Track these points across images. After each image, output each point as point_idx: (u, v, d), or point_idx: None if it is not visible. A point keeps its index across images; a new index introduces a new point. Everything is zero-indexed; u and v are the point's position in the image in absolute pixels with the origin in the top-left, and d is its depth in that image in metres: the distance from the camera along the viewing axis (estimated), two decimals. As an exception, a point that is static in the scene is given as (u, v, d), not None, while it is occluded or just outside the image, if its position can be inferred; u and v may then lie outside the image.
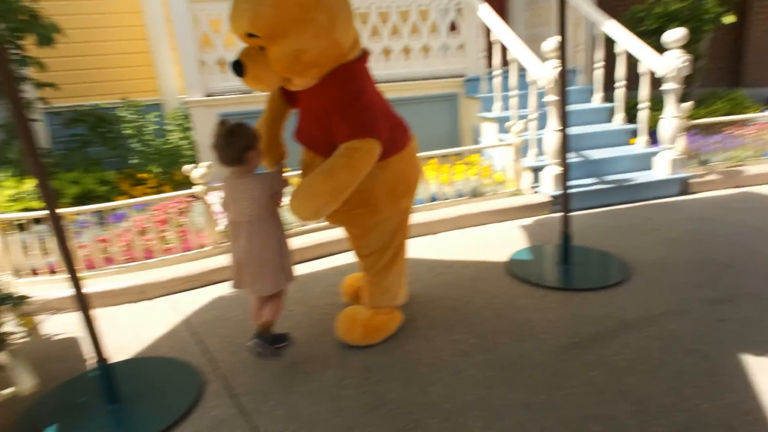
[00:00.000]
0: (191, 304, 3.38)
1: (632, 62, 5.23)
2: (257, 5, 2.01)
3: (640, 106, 5.21)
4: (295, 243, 4.02)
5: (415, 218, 4.40)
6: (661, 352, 2.44)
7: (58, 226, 2.11)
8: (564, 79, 3.40)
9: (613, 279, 3.22)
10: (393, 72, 5.98)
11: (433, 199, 4.67)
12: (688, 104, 5.02)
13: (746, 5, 8.27)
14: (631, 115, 5.70)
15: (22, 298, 2.32)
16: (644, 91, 5.16)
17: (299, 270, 3.78)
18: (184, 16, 5.25)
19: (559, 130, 3.42)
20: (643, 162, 5.30)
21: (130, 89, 6.63)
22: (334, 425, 2.13)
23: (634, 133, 5.61)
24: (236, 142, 2.33)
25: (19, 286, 3.05)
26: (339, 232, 4.17)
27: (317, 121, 2.37)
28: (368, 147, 2.20)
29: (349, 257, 4.00)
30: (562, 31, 3.27)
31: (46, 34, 4.94)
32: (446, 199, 4.71)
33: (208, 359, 2.70)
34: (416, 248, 4.07)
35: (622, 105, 5.63)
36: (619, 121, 5.72)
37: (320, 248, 4.08)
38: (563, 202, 3.46)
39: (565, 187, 3.45)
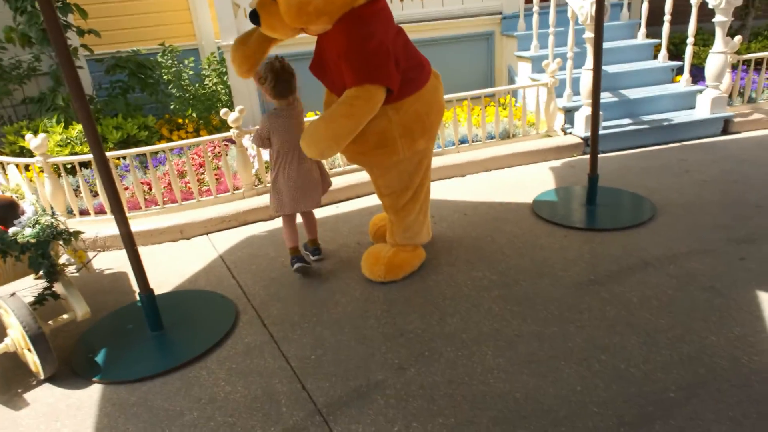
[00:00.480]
0: (226, 242, 3.59)
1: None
2: None
3: (688, 41, 4.93)
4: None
5: (443, 160, 4.43)
6: (675, 289, 2.47)
7: (105, 169, 2.26)
8: (601, 13, 3.25)
9: (638, 219, 3.21)
10: (427, 11, 5.82)
11: (462, 142, 4.66)
12: (737, 39, 4.72)
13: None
14: (679, 51, 5.40)
15: (77, 234, 2.54)
16: (692, 25, 4.86)
17: (330, 211, 3.95)
18: (216, -42, 5.22)
19: (592, 69, 3.30)
20: (686, 101, 5.08)
21: (168, 34, 6.74)
22: (356, 351, 2.30)
23: (679, 71, 5.34)
24: (293, 76, 2.73)
25: (73, 225, 3.30)
26: (366, 175, 4.26)
27: (333, 64, 2.43)
28: (368, 95, 2.24)
29: (376, 199, 4.11)
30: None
31: (85, -18, 5.03)
32: (476, 141, 4.69)
33: (241, 292, 2.90)
34: (443, 190, 4.12)
35: (666, 41, 5.33)
36: (662, 58, 5.44)
37: (349, 190, 4.19)
38: (592, 142, 3.41)
39: (594, 128, 3.39)
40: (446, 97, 3.18)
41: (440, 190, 4.13)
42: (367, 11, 2.29)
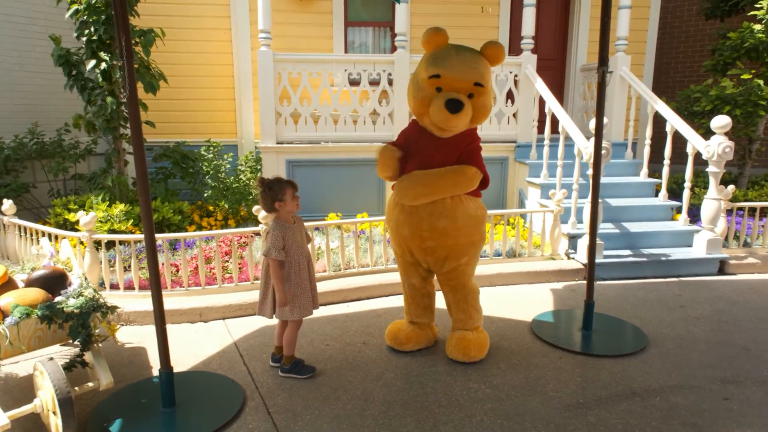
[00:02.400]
0: (241, 329, 3.81)
1: (681, 140, 5.40)
2: (483, 68, 3.02)
3: (685, 185, 5.35)
4: (337, 284, 4.42)
5: None
6: (659, 422, 2.59)
7: (152, 250, 2.57)
8: (599, 153, 3.64)
9: (630, 348, 3.38)
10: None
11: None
12: (731, 188, 5.11)
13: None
14: (680, 190, 5.80)
15: (114, 308, 2.80)
16: (689, 171, 5.31)
17: (340, 309, 4.18)
18: (269, 73, 5.95)
19: (592, 200, 3.65)
20: (684, 239, 5.39)
21: (213, 131, 7.46)
22: (351, 448, 2.43)
23: (679, 209, 5.71)
24: (267, 195, 2.97)
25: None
26: (376, 278, 4.53)
27: (441, 155, 3.08)
28: (474, 174, 3.07)
29: (385, 302, 4.34)
30: (599, 111, 3.55)
31: (153, 83, 5.75)
32: (484, 256, 4.99)
33: (250, 379, 3.08)
34: (449, 300, 4.35)
35: (666, 181, 5.77)
36: (663, 197, 5.84)
37: (360, 291, 4.44)
38: (588, 270, 3.68)
39: (591, 256, 3.67)
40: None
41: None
42: None
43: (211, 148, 6.63)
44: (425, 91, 3.01)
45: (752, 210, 5.53)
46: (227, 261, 4.68)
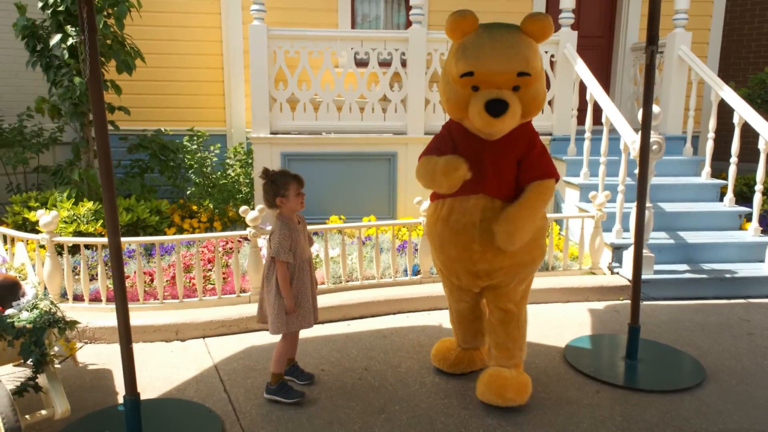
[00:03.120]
0: (223, 349, 3.83)
1: (752, 134, 5.32)
2: (527, 50, 2.79)
3: (756, 188, 5.26)
4: (337, 299, 4.44)
5: (430, 289, 4.68)
6: (714, 472, 2.55)
7: (118, 258, 2.59)
8: (646, 148, 3.60)
9: (683, 383, 3.32)
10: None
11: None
12: (810, 191, 5.02)
13: None
14: (747, 194, 5.71)
15: (73, 323, 2.83)
16: (761, 171, 5.22)
17: (340, 328, 4.18)
18: (262, 51, 5.98)
19: (638, 204, 3.61)
20: (754, 252, 5.31)
21: (198, 118, 7.53)
22: (345, 494, 2.42)
23: (749, 217, 5.61)
24: (270, 189, 3.03)
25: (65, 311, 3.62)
26: (382, 292, 4.53)
27: (505, 162, 2.94)
28: (552, 186, 2.95)
29: (392, 321, 4.33)
30: (648, 98, 3.50)
31: (129, 62, 5.82)
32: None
33: (231, 408, 3.09)
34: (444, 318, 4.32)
35: (733, 183, 5.68)
36: (729, 202, 5.74)
37: (363, 307, 4.44)
38: (634, 287, 3.63)
39: (637, 270, 3.62)
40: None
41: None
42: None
43: (195, 138, 6.70)
44: (459, 92, 2.87)
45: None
46: (210, 270, 4.71)
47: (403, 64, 6.26)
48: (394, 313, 4.50)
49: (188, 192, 6.61)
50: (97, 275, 4.38)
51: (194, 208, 6.41)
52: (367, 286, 4.67)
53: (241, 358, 3.71)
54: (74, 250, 4.88)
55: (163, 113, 7.50)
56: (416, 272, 4.88)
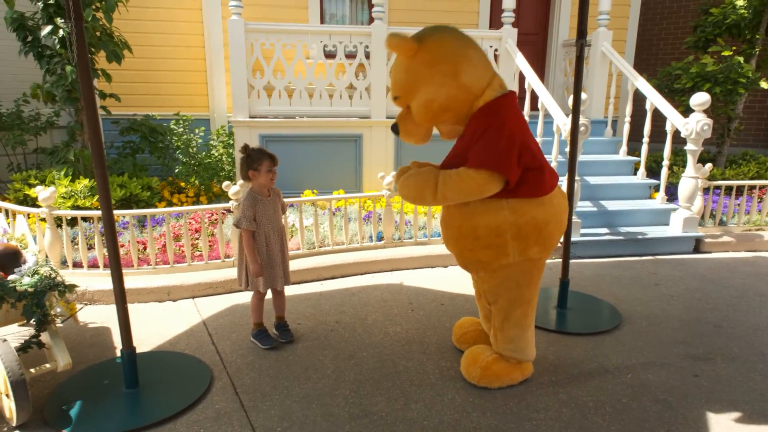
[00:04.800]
0: (211, 308, 3.75)
1: (661, 118, 5.43)
2: (396, 73, 2.57)
3: (664, 163, 5.40)
4: (311, 262, 4.38)
5: (430, 249, 4.69)
6: (630, 398, 2.63)
7: (111, 228, 2.48)
8: (576, 130, 3.62)
9: (604, 326, 3.41)
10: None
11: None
12: (708, 166, 5.17)
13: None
14: (659, 169, 5.85)
15: (72, 287, 2.70)
16: (667, 149, 5.36)
17: (314, 288, 4.14)
18: (240, 43, 5.75)
19: (568, 178, 3.64)
20: (661, 217, 5.45)
21: (184, 104, 7.25)
22: (321, 428, 2.41)
23: (657, 188, 5.76)
24: (245, 162, 2.96)
25: (65, 276, 3.47)
26: (352, 256, 4.50)
27: (458, 155, 2.53)
28: (480, 178, 2.36)
29: (361, 280, 4.31)
30: (577, 86, 3.51)
31: (117, 52, 5.53)
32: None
33: (219, 358, 3.03)
34: (424, 279, 4.34)
35: (645, 160, 5.81)
36: (641, 175, 5.88)
37: (334, 269, 4.40)
38: (564, 248, 3.68)
39: (567, 234, 3.68)
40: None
41: (421, 279, 4.35)
42: (499, 104, 2.46)
43: (181, 122, 6.46)
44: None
45: (729, 189, 5.61)
46: (197, 239, 4.58)
47: (367, 56, 6.13)
48: (361, 274, 4.48)
49: (176, 170, 6.39)
50: (95, 245, 4.21)
51: (182, 184, 6.22)
52: (337, 251, 4.63)
53: (226, 315, 3.64)
54: (72, 223, 4.68)
55: (152, 99, 7.20)
56: (380, 238, 4.85)
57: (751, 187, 5.80)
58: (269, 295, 3.24)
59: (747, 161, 7.18)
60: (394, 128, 2.70)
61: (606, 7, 6.38)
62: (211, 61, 7.24)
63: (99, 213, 3.97)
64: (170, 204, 5.77)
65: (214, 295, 3.98)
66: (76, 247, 4.24)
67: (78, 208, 4.85)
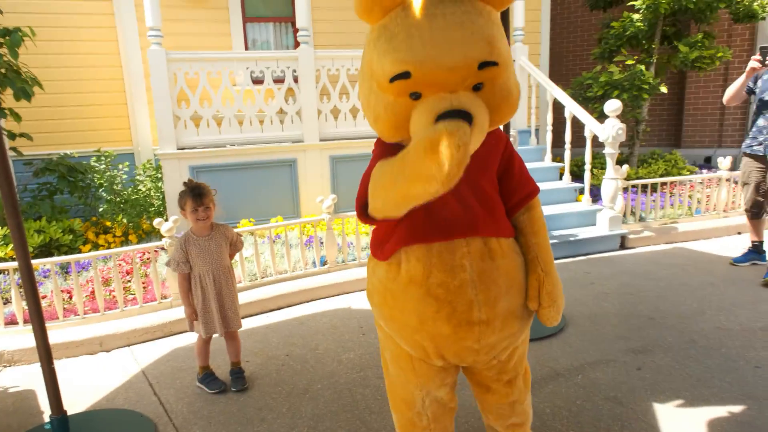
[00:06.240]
0: (150, 355, 3.48)
1: (579, 125, 5.70)
2: (487, 26, 1.41)
3: (586, 167, 5.66)
4: (255, 294, 4.20)
5: (337, 277, 4.58)
6: (583, 399, 2.66)
7: (30, 279, 2.24)
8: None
9: (550, 331, 3.47)
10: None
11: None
12: (625, 167, 5.47)
13: (684, 77, 9.07)
14: (581, 173, 6.14)
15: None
16: (588, 154, 5.63)
17: (260, 321, 3.95)
18: (162, 74, 5.48)
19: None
20: (588, 218, 5.69)
21: (104, 139, 6.82)
22: (280, 473, 2.26)
23: (581, 191, 6.02)
24: (180, 199, 2.82)
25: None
26: (295, 285, 4.35)
27: (479, 193, 1.74)
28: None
29: (308, 309, 4.17)
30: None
31: (26, 89, 5.11)
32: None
33: (163, 410, 2.79)
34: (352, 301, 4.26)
35: (569, 165, 6.07)
36: (567, 180, 6.14)
37: (279, 299, 4.23)
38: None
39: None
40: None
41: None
42: None
43: (103, 158, 6.06)
44: (393, 104, 1.45)
45: (644, 186, 5.96)
46: (129, 281, 4.27)
47: (296, 80, 6.04)
48: (308, 301, 4.33)
49: (100, 209, 5.98)
50: (11, 299, 3.81)
51: (108, 224, 5.80)
52: (281, 280, 4.46)
53: (168, 361, 3.39)
54: (-15, 276, 4.22)
55: (68, 137, 6.72)
56: (323, 263, 4.73)
57: (663, 184, 6.20)
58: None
59: (656, 160, 7.69)
60: (463, 117, 1.35)
61: (520, 23, 6.66)
62: (132, 93, 6.89)
63: (13, 264, 3.61)
64: (96, 246, 5.36)
65: (153, 341, 3.70)
66: (-10, 303, 3.83)
67: (-9, 259, 4.40)
